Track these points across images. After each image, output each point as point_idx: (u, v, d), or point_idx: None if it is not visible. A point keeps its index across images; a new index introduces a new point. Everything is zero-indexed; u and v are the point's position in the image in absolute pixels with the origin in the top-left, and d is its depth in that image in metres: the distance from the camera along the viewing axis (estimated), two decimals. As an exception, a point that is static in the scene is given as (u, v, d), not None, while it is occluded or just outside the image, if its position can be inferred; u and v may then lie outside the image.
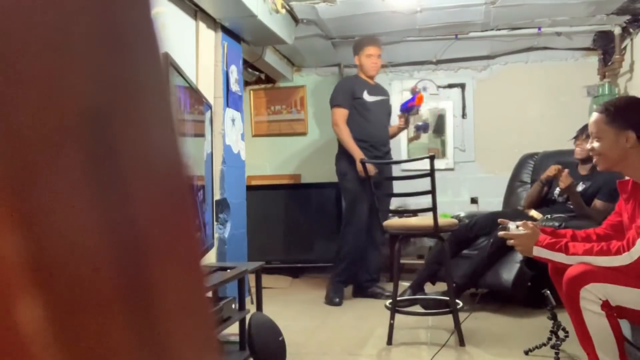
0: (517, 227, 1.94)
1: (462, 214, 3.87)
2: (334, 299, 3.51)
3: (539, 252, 1.84)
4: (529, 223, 1.95)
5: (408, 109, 3.73)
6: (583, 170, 3.42)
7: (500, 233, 1.99)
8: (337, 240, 3.70)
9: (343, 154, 3.67)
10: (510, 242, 1.93)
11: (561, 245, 1.80)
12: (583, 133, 3.31)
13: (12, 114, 0.19)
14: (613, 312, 1.70)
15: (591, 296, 1.69)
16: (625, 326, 1.88)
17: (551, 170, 3.33)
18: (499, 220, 2.02)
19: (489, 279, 3.16)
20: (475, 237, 3.45)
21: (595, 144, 1.85)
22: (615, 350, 1.70)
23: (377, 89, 3.82)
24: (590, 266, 1.71)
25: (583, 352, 1.87)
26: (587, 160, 3.32)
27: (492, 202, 4.51)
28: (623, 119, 1.80)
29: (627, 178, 1.87)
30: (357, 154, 3.50)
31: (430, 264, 3.44)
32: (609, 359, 1.71)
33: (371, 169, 3.23)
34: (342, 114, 3.64)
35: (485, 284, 3.25)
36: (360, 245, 3.62)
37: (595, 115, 1.87)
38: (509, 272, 3.08)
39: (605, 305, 1.69)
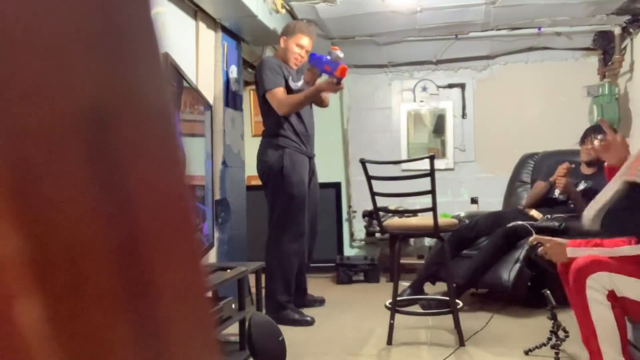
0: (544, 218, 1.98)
1: (462, 214, 3.87)
2: (303, 318, 3.00)
3: (573, 252, 1.84)
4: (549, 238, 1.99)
5: (320, 67, 3.00)
6: (586, 170, 3.42)
7: (532, 238, 2.02)
8: (268, 254, 3.10)
9: (278, 148, 3.08)
10: (541, 249, 1.96)
11: (596, 242, 1.82)
12: (588, 136, 3.32)
13: (13, 114, 0.19)
14: (618, 304, 1.70)
15: (597, 285, 1.69)
16: (625, 326, 1.88)
17: (560, 171, 3.32)
18: (530, 241, 2.05)
19: (489, 278, 3.16)
20: (475, 238, 3.45)
21: None
22: (618, 343, 1.70)
23: (299, 74, 3.22)
24: (598, 256, 1.73)
25: (583, 352, 1.86)
26: (591, 163, 3.33)
27: (492, 202, 4.51)
28: None
29: None
30: (325, 84, 2.93)
31: (430, 264, 3.44)
32: (611, 352, 1.71)
33: None
34: (283, 92, 3.03)
35: (486, 284, 3.25)
36: (299, 258, 3.13)
37: None
38: (508, 271, 3.08)
39: (611, 295, 1.69)
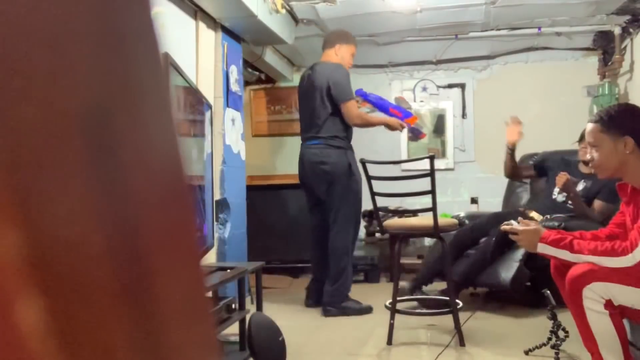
0: (520, 223, 1.94)
1: (462, 214, 3.87)
2: (363, 307, 3.19)
3: (543, 248, 1.83)
4: (532, 222, 1.95)
5: (384, 108, 3.37)
6: (585, 169, 3.42)
7: (504, 227, 1.98)
8: (338, 244, 3.22)
9: (339, 149, 3.26)
10: (514, 237, 1.93)
11: (566, 243, 1.78)
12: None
13: (14, 112, 0.19)
14: (616, 311, 1.69)
15: (594, 295, 1.68)
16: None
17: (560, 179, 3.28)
18: (503, 227, 2.02)
19: (488, 277, 3.16)
20: (477, 239, 3.44)
21: (595, 154, 1.86)
22: (619, 349, 1.70)
23: None
24: (594, 265, 1.71)
25: (583, 352, 1.86)
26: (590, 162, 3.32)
27: (492, 202, 4.51)
28: (618, 125, 1.80)
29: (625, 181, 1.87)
30: (395, 123, 3.29)
31: (433, 265, 3.42)
32: (613, 358, 1.71)
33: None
34: (357, 105, 3.31)
35: (484, 283, 3.24)
36: None
37: (590, 126, 1.87)
38: (507, 270, 3.08)
39: (608, 304, 1.68)
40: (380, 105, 3.40)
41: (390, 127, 3.32)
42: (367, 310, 3.19)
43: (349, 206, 3.25)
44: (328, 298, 3.18)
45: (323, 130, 3.28)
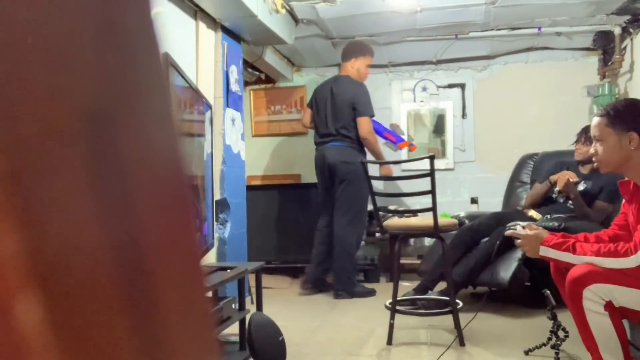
0: (524, 227, 1.94)
1: (462, 214, 3.86)
2: (368, 290, 3.70)
3: (545, 251, 1.82)
4: (534, 225, 1.95)
5: (380, 132, 3.87)
6: (584, 169, 3.41)
7: (507, 232, 1.99)
8: (349, 236, 3.70)
9: (361, 153, 3.70)
10: (517, 241, 1.93)
11: (569, 245, 1.78)
12: (582, 136, 3.31)
13: (15, 114, 0.19)
14: (616, 312, 1.69)
15: (594, 297, 1.68)
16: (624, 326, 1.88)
17: (562, 177, 3.30)
18: (507, 233, 2.02)
19: (487, 276, 3.15)
20: (479, 239, 3.43)
21: (599, 148, 1.84)
22: (619, 350, 1.70)
23: None
24: (594, 267, 1.71)
25: (583, 352, 1.86)
26: (586, 162, 3.32)
27: (492, 202, 4.51)
28: (624, 120, 1.79)
29: (627, 178, 1.87)
30: (387, 167, 3.77)
31: (434, 269, 3.41)
32: (613, 359, 1.71)
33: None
34: (371, 123, 3.72)
35: (483, 282, 3.24)
36: None
37: (596, 119, 1.86)
38: (506, 269, 3.07)
39: (609, 305, 1.68)
40: (375, 128, 3.81)
41: (381, 162, 3.63)
42: (372, 292, 3.67)
43: (362, 204, 3.67)
44: (341, 285, 3.63)
45: (352, 134, 3.68)
